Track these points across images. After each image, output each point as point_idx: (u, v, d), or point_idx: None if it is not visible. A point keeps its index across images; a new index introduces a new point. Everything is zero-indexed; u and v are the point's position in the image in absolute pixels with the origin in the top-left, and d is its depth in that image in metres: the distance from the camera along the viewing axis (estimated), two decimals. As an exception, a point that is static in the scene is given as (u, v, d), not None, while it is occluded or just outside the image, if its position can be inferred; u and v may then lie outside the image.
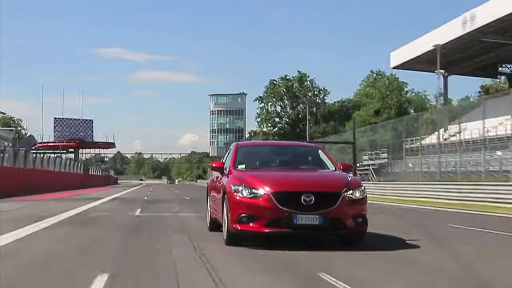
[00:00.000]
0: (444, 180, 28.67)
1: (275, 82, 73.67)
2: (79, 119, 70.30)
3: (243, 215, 6.70)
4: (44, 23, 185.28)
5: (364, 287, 4.86)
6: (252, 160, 8.26)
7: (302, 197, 6.53)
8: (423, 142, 36.21)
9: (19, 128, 73.50)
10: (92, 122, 72.07)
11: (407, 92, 64.53)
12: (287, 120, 73.79)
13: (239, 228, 6.75)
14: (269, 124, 74.05)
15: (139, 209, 15.11)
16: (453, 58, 38.47)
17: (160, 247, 7.18)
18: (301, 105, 70.97)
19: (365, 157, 39.69)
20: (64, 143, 64.83)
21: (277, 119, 74.43)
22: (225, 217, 7.08)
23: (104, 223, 11.08)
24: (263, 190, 6.69)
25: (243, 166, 7.94)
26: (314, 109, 69.19)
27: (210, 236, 8.32)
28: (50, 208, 16.03)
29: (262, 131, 74.83)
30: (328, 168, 8.03)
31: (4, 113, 64.78)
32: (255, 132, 78.63)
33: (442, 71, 38.15)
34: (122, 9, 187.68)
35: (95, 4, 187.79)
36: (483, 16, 31.41)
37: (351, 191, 6.88)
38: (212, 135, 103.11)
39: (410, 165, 35.66)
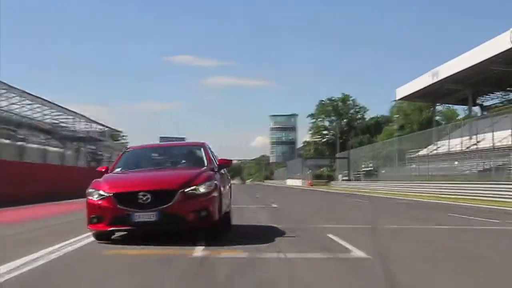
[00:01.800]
0: (419, 180, 44.58)
1: (323, 102, 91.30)
2: (176, 137, 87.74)
3: (92, 216, 7.23)
4: (117, 32, 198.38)
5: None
6: (129, 163, 8.70)
7: (139, 196, 6.97)
8: (419, 153, 52.25)
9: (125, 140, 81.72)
10: (185, 139, 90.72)
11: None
12: (333, 132, 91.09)
13: (91, 228, 7.37)
14: (319, 136, 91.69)
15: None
16: (441, 93, 54.30)
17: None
18: (344, 120, 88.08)
19: (363, 165, 56.84)
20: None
21: (325, 132, 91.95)
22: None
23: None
24: (107, 192, 7.17)
25: (119, 169, 8.48)
26: (356, 122, 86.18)
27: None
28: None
29: (314, 141, 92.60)
30: (203, 165, 8.34)
31: (119, 131, 72.48)
32: (308, 142, 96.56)
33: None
34: (188, 18, 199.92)
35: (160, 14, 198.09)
36: (444, 70, 47.32)
37: (193, 187, 7.21)
38: (272, 146, 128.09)
39: (414, 166, 51.20)
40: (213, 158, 8.77)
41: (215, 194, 7.45)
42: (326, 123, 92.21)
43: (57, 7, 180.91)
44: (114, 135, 70.69)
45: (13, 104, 35.55)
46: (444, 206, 20.21)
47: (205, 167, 8.19)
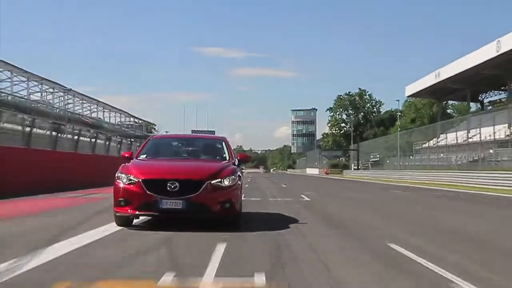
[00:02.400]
0: (416, 169, 50.45)
1: (341, 97, 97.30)
2: (207, 130, 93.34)
3: (120, 199, 7.42)
4: (150, 22, 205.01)
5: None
6: (155, 151, 9.00)
7: (167, 184, 7.17)
8: (423, 145, 58.05)
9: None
10: (214, 132, 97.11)
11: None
12: (350, 125, 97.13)
13: (117, 211, 7.54)
14: (337, 129, 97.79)
15: (249, 180, 39.44)
16: (444, 91, 59.89)
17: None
18: (361, 114, 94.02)
19: (372, 156, 63.07)
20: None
21: (343, 124, 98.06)
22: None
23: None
24: (136, 178, 7.36)
25: (145, 156, 8.70)
26: (372, 115, 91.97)
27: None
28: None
29: (332, 133, 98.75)
30: (225, 159, 8.70)
31: (153, 124, 79.79)
32: (327, 134, 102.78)
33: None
34: (220, 10, 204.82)
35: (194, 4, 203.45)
36: (446, 71, 52.95)
37: (219, 179, 7.49)
38: (293, 137, 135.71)
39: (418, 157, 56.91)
40: (233, 153, 9.11)
41: (238, 187, 7.81)
42: (344, 116, 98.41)
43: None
44: (149, 127, 76.74)
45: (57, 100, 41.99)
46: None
47: (227, 161, 8.55)
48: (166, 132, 60.97)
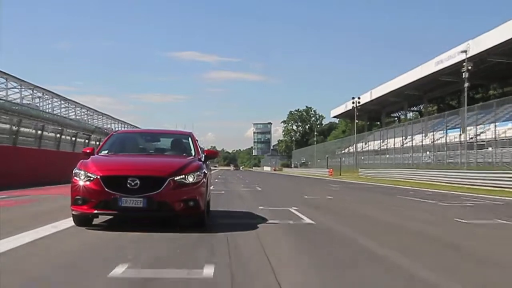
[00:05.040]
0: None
1: (292, 112, 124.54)
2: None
3: (78, 197, 6.94)
4: (128, 28, 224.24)
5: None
6: (118, 147, 8.49)
7: (128, 181, 6.74)
8: (343, 151, 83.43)
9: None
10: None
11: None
12: (299, 134, 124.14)
13: (74, 209, 7.01)
14: (289, 137, 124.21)
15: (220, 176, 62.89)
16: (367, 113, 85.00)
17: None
18: (307, 126, 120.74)
19: (302, 159, 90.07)
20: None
21: (293, 134, 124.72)
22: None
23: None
24: (94, 175, 6.89)
25: (106, 151, 8.23)
26: (316, 127, 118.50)
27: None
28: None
29: (285, 140, 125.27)
30: (191, 155, 8.23)
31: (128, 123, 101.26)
32: (281, 141, 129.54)
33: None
34: (194, 16, 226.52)
35: (169, 12, 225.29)
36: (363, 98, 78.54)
37: (182, 176, 7.03)
38: (254, 144, 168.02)
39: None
40: (199, 148, 8.65)
41: (203, 184, 7.34)
42: (294, 127, 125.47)
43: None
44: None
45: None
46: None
47: (193, 157, 8.10)
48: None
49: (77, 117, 42.47)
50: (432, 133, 48.47)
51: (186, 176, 7.08)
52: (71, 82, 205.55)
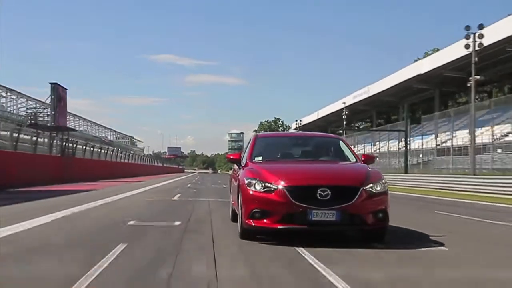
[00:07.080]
0: None
1: (262, 122, 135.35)
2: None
3: (256, 210, 6.35)
4: (106, 30, 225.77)
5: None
6: (270, 152, 7.91)
7: (318, 192, 6.13)
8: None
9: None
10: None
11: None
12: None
13: (253, 224, 6.40)
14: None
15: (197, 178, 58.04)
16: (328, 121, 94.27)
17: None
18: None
19: None
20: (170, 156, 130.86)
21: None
22: (240, 211, 6.77)
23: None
24: (276, 184, 6.31)
25: (260, 158, 7.63)
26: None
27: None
28: (158, 181, 37.18)
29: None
30: (349, 160, 7.71)
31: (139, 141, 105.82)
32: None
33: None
34: (171, 20, 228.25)
35: (146, 15, 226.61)
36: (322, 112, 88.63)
37: (371, 185, 6.45)
38: (229, 151, 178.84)
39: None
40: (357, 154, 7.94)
41: (388, 193, 6.68)
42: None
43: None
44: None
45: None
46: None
47: (357, 162, 7.54)
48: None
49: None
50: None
51: (374, 185, 6.51)
52: (46, 84, 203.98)
